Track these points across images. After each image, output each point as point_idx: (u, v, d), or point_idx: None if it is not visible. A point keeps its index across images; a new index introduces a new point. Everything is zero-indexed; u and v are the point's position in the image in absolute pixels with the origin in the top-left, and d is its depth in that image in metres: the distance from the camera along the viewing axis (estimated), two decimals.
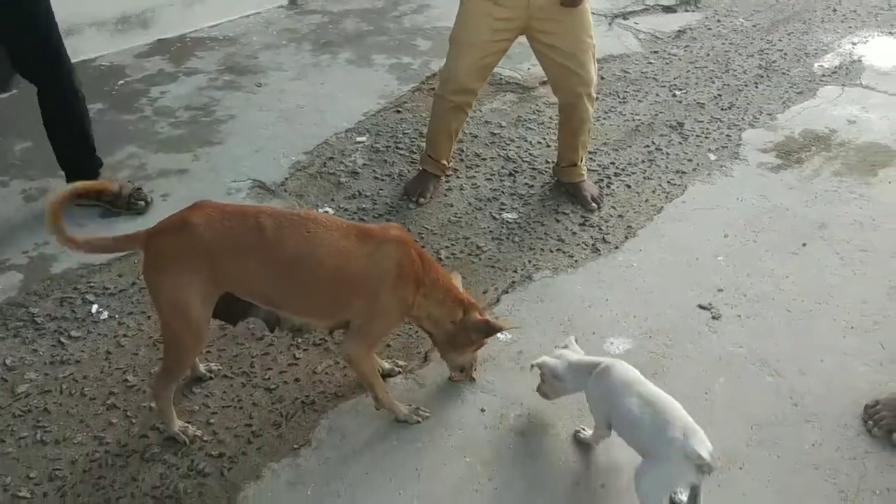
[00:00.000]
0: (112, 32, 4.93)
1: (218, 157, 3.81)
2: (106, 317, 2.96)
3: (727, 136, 4.16)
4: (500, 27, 3.26)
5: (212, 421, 2.57)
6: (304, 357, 2.82)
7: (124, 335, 2.89)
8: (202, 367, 2.73)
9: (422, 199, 3.60)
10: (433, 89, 4.57)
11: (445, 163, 3.67)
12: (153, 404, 2.54)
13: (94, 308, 2.99)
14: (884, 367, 2.79)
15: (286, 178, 3.77)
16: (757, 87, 4.64)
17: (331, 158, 3.91)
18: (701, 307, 3.05)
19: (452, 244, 3.38)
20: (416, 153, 3.95)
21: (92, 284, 3.10)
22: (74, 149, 3.47)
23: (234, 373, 2.75)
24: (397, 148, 4.02)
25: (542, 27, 3.25)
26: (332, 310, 2.41)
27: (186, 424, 2.53)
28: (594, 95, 3.44)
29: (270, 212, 2.31)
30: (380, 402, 2.56)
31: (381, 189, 3.69)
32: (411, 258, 2.40)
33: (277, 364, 2.79)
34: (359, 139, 4.08)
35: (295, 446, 2.50)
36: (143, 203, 3.52)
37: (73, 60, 3.34)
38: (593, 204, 3.59)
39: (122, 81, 4.59)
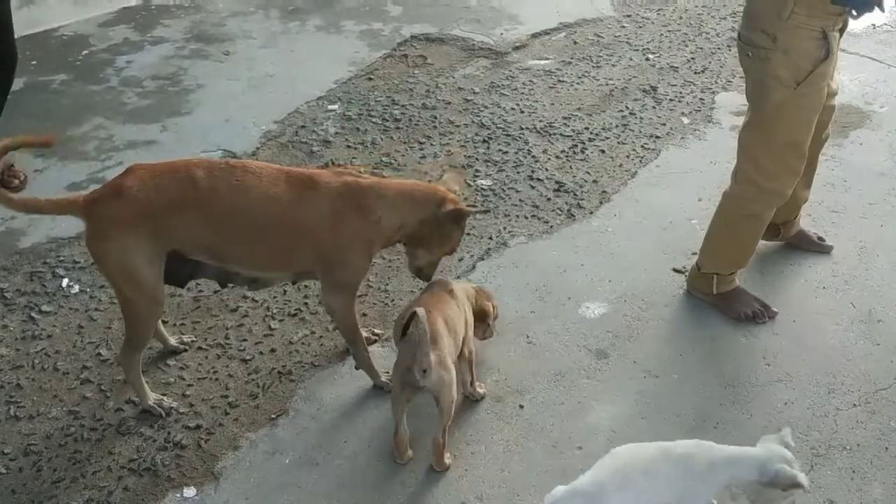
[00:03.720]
0: (75, 1, 4.82)
1: (187, 127, 3.75)
2: (77, 291, 2.92)
3: (700, 99, 4.17)
4: None
5: (188, 393, 2.56)
6: (280, 327, 2.80)
7: (96, 309, 2.85)
8: (173, 340, 2.71)
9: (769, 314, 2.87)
10: (405, 55, 4.54)
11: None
12: (125, 378, 2.53)
13: (65, 282, 2.95)
14: (854, 326, 2.83)
15: (257, 148, 3.72)
16: (730, 50, 4.63)
17: (302, 127, 3.86)
18: (675, 270, 3.06)
19: None
20: (388, 121, 3.92)
21: (62, 258, 3.06)
22: None
23: (209, 345, 2.73)
24: (370, 115, 3.98)
25: None
26: (277, 261, 2.38)
27: (162, 397, 2.52)
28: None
29: (201, 164, 2.31)
30: (360, 359, 2.56)
31: (353, 157, 3.66)
32: (349, 192, 2.31)
33: (253, 335, 2.77)
34: (330, 107, 4.04)
35: (272, 416, 2.49)
36: (17, 182, 3.33)
37: (35, 31, 3.28)
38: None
39: (86, 51, 4.50)
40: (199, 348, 2.72)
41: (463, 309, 2.42)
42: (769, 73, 2.47)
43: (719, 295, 2.86)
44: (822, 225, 3.26)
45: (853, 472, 2.34)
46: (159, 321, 2.56)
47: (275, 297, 2.92)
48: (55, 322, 2.80)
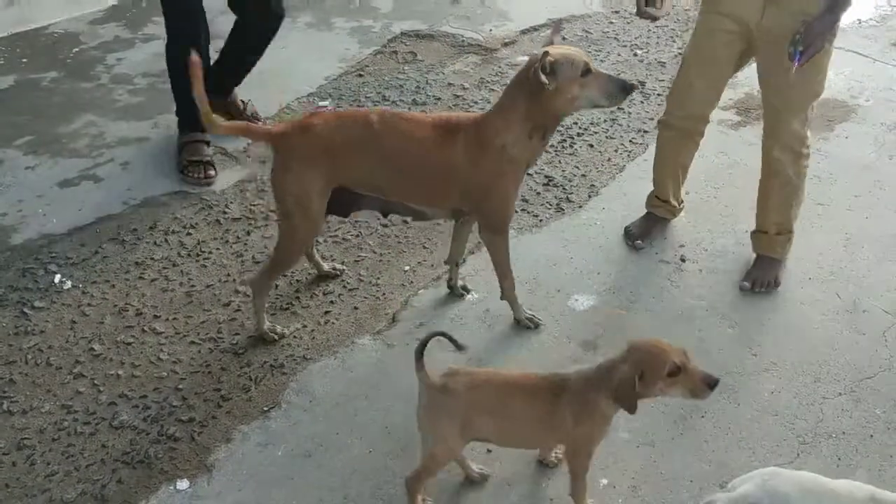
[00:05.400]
0: None
1: None
2: (69, 286, 2.93)
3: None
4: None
5: (181, 387, 2.58)
6: (272, 321, 2.82)
7: (88, 304, 2.87)
8: (327, 266, 3.00)
9: (639, 243, 3.18)
10: (395, 52, 4.56)
11: (676, 204, 3.25)
12: (252, 299, 2.70)
13: (57, 278, 2.96)
14: (840, 316, 2.87)
15: (248, 144, 3.73)
16: None
17: None
18: (663, 262, 3.10)
19: None
20: None
21: (54, 254, 3.07)
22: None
23: (202, 338, 2.75)
24: None
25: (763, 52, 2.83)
26: (433, 197, 2.60)
27: (273, 325, 2.74)
28: (800, 151, 2.87)
29: (375, 112, 2.58)
30: (507, 293, 2.76)
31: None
32: (473, 130, 2.49)
33: (245, 329, 2.79)
34: (321, 103, 4.05)
35: (265, 409, 2.51)
36: (259, 121, 3.67)
37: (24, 28, 3.28)
38: (745, 283, 3.00)
39: (76, 49, 4.50)
40: (192, 342, 2.73)
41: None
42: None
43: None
44: (808, 217, 3.29)
45: (839, 459, 2.38)
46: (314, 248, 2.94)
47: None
48: (48, 317, 2.81)
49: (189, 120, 3.52)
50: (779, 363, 2.69)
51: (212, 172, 3.48)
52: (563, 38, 4.73)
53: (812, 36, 2.55)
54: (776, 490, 1.79)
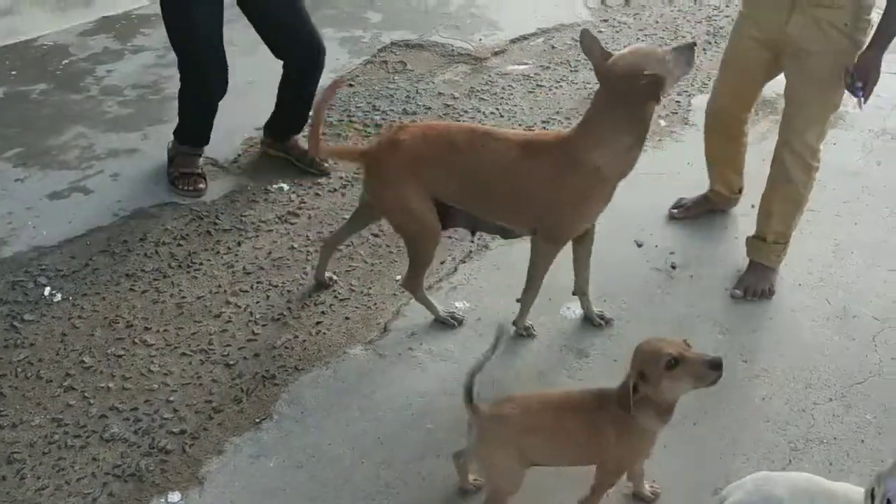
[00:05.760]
0: (54, 10, 4.81)
1: (168, 135, 3.73)
2: (59, 299, 2.92)
3: (677, 102, 4.22)
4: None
5: (172, 399, 2.57)
6: (264, 332, 2.82)
7: (79, 317, 2.85)
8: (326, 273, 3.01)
9: (674, 212, 3.38)
10: (385, 62, 4.57)
11: (725, 193, 3.33)
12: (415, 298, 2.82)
13: (47, 291, 2.95)
14: (830, 322, 2.89)
15: (239, 155, 3.74)
16: (706, 53, 4.69)
17: None
18: (654, 270, 3.11)
19: None
20: (369, 126, 3.94)
21: (44, 267, 3.06)
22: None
23: (193, 350, 2.74)
24: (351, 121, 4.00)
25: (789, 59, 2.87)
26: (516, 214, 2.61)
27: (453, 310, 2.85)
28: (810, 163, 2.91)
29: (459, 128, 2.69)
30: (527, 297, 2.76)
31: (335, 163, 3.68)
32: (564, 150, 2.47)
33: (236, 340, 2.79)
34: (311, 114, 4.04)
35: (256, 420, 2.51)
36: (325, 165, 3.63)
37: (14, 41, 3.27)
38: (737, 291, 3.01)
39: (66, 61, 4.49)
40: (183, 354, 2.73)
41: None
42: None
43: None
44: (799, 223, 3.30)
45: (830, 464, 2.38)
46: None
47: (258, 303, 2.94)
48: (38, 330, 2.80)
49: (187, 135, 3.52)
50: (770, 370, 2.69)
51: (202, 185, 3.47)
52: (553, 48, 4.76)
53: (865, 71, 2.64)
54: (771, 494, 1.79)
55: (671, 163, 3.73)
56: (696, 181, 3.58)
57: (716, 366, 1.96)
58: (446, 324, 2.83)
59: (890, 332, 2.84)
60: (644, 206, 3.41)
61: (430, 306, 2.83)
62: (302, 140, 3.69)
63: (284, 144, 3.67)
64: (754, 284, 3.00)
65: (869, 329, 2.86)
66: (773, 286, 3.00)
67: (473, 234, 2.86)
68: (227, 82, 3.41)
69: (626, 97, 2.37)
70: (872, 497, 1.60)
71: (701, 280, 3.07)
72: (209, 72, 3.34)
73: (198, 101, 3.47)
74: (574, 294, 2.87)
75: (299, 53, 3.45)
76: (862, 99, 2.68)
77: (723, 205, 3.37)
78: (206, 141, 3.58)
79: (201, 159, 3.57)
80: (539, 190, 2.50)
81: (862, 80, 2.65)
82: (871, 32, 2.67)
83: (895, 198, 3.49)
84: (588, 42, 2.46)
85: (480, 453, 2.09)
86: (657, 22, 5.10)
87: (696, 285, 3.05)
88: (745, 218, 3.35)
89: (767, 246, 3.00)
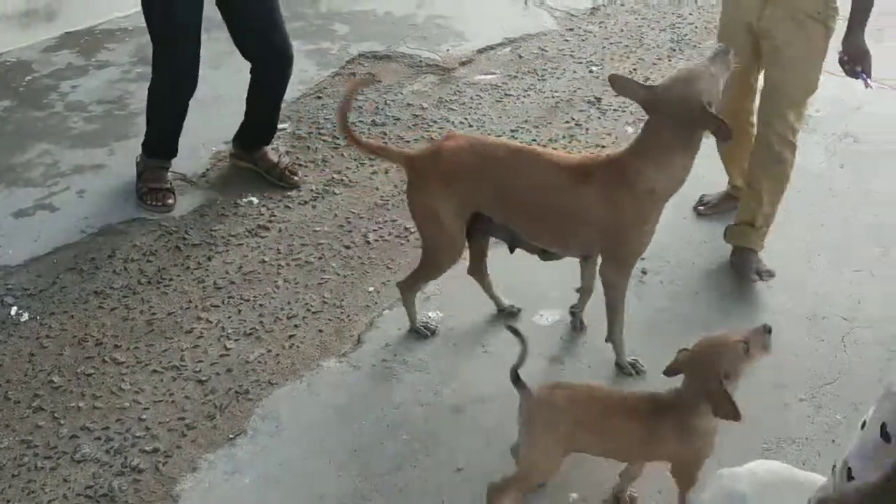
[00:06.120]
0: (16, 26, 4.74)
1: (135, 150, 3.71)
2: (26, 318, 2.88)
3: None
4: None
5: (143, 417, 2.54)
6: (236, 347, 2.80)
7: (47, 336, 2.81)
8: (505, 301, 2.95)
9: (700, 209, 3.46)
10: (353, 73, 4.57)
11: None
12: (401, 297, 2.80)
13: (14, 310, 2.90)
14: (799, 324, 2.93)
15: (207, 169, 3.71)
16: (670, 61, 4.75)
17: None
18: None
19: (380, 227, 3.38)
20: (338, 138, 3.94)
21: (10, 286, 3.01)
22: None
23: (164, 367, 2.71)
24: (320, 134, 3.99)
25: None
26: (560, 238, 2.58)
27: (426, 320, 2.84)
28: (793, 141, 3.01)
29: (504, 145, 2.63)
30: (615, 333, 2.68)
31: (305, 175, 3.67)
32: (615, 171, 2.42)
33: (208, 356, 2.76)
34: (280, 126, 4.02)
35: (230, 436, 2.48)
36: (295, 178, 3.59)
37: None
38: (755, 276, 3.09)
39: (29, 77, 4.44)
40: (154, 371, 2.69)
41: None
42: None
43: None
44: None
45: (803, 464, 2.41)
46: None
47: (229, 317, 2.91)
48: (5, 351, 2.75)
49: (155, 146, 3.50)
50: None
51: (170, 200, 3.44)
52: (520, 57, 4.79)
53: (858, 54, 2.79)
54: (733, 490, 1.78)
55: None
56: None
57: (769, 329, 2.05)
58: (419, 333, 2.82)
59: (858, 332, 2.88)
60: None
61: (410, 312, 2.82)
62: (271, 152, 3.67)
63: (253, 156, 3.65)
64: (758, 267, 3.08)
65: (838, 330, 2.90)
66: (769, 268, 3.10)
67: (512, 250, 2.74)
68: (196, 79, 3.39)
69: (682, 123, 2.35)
70: (836, 471, 1.61)
71: (671, 284, 3.10)
72: (183, 60, 3.31)
73: (167, 100, 3.42)
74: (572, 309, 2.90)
75: (269, 59, 3.44)
76: (866, 78, 2.82)
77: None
78: (174, 152, 3.55)
79: (169, 174, 3.54)
80: (594, 215, 2.44)
81: (858, 63, 2.79)
82: (837, 18, 2.83)
83: (858, 200, 3.55)
84: (622, 85, 2.45)
85: (527, 434, 2.11)
86: (622, 30, 5.15)
87: (666, 289, 3.08)
88: (708, 222, 3.39)
89: (755, 231, 3.08)
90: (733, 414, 1.97)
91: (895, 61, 3.19)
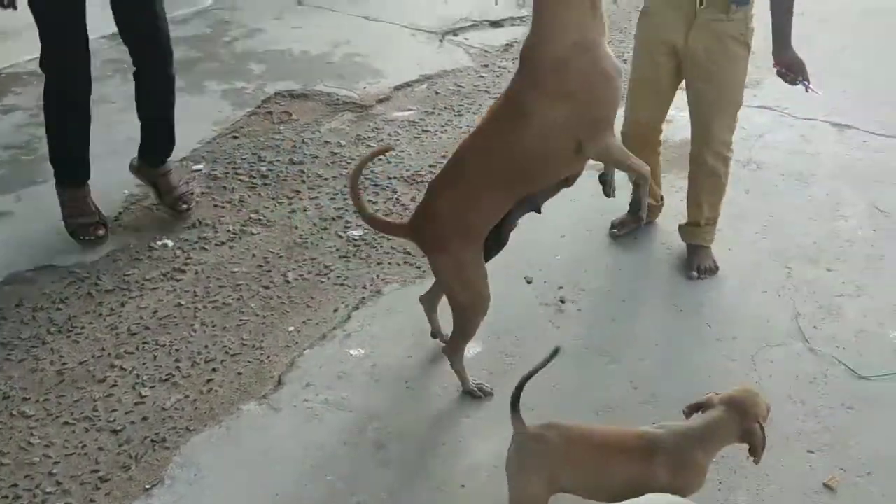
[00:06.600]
0: None
1: (45, 196, 3.62)
2: None
3: None
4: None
5: (54, 471, 2.44)
6: (152, 394, 2.73)
7: None
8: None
9: (614, 231, 3.54)
10: (270, 112, 4.56)
11: (653, 201, 3.50)
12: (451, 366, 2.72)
13: None
14: (712, 346, 3.01)
15: (120, 213, 3.63)
16: None
17: None
18: (543, 304, 3.18)
19: (300, 266, 3.36)
20: (255, 178, 3.91)
21: None
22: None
23: (76, 418, 2.62)
24: (236, 173, 3.96)
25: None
26: (562, 155, 2.45)
27: (481, 382, 2.74)
28: (727, 155, 3.25)
29: (464, 147, 2.55)
30: (641, 175, 2.55)
31: (221, 216, 3.63)
32: (539, 70, 2.35)
33: (122, 404, 2.68)
34: (195, 167, 3.99)
35: (147, 486, 2.41)
36: (184, 208, 3.57)
37: None
38: (693, 273, 3.31)
39: None
40: (66, 423, 2.60)
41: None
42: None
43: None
44: (677, 252, 3.45)
45: (720, 483, 2.47)
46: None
47: (144, 364, 2.84)
48: None
49: (66, 171, 3.44)
50: (658, 395, 2.78)
51: (101, 231, 3.41)
52: (436, 94, 4.86)
53: (795, 67, 3.05)
54: None
55: (557, 200, 3.80)
56: (580, 217, 3.70)
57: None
58: (473, 395, 2.74)
59: (767, 351, 2.98)
60: (531, 242, 3.49)
61: (462, 377, 2.74)
62: (175, 175, 3.66)
63: (154, 172, 3.64)
64: (702, 263, 3.33)
65: (748, 349, 2.99)
66: (715, 262, 3.35)
67: (539, 211, 2.68)
68: (90, 79, 3.34)
69: None
70: None
71: (588, 312, 3.16)
72: (69, 52, 3.25)
73: (63, 103, 3.35)
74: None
75: (149, 58, 3.44)
76: (808, 85, 3.06)
77: (653, 216, 3.58)
78: (86, 173, 3.50)
79: (91, 201, 3.48)
80: (555, 109, 2.32)
81: (796, 72, 3.05)
82: (753, 37, 3.04)
83: (762, 222, 3.69)
84: None
85: (513, 466, 2.12)
86: None
87: (584, 318, 3.13)
88: (621, 250, 3.48)
89: (702, 229, 3.33)
90: (761, 453, 2.17)
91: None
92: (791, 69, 3.06)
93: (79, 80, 3.32)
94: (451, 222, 2.48)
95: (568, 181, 2.61)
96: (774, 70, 3.13)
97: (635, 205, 2.70)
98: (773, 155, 4.22)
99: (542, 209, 2.69)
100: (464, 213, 2.47)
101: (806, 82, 3.07)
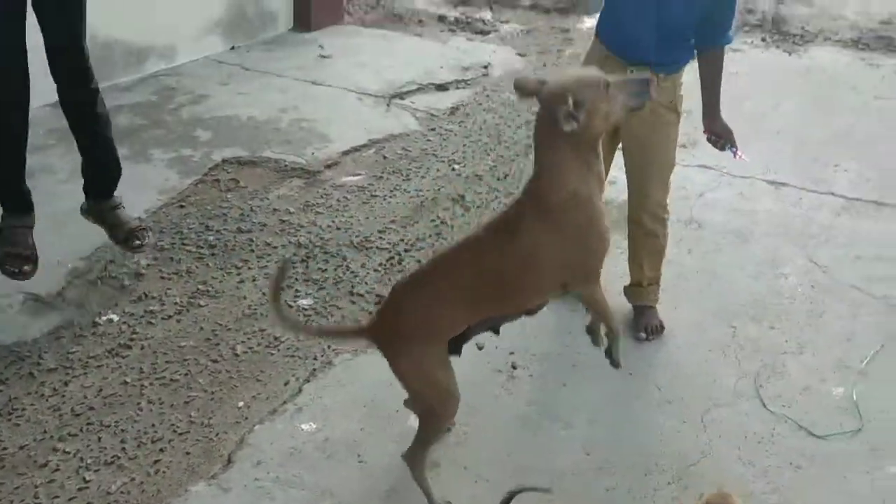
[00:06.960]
0: None
1: None
2: None
3: (504, 203, 4.42)
4: None
5: None
6: (96, 478, 2.65)
7: None
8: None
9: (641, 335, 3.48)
10: (217, 180, 4.54)
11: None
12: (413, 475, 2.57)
13: None
14: (661, 408, 3.05)
15: (63, 288, 3.55)
16: (528, 157, 4.96)
17: (111, 262, 3.73)
18: (495, 371, 3.19)
19: (249, 338, 3.32)
20: (203, 248, 3.87)
21: None
22: None
23: None
24: (183, 244, 3.92)
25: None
26: (536, 290, 2.50)
27: (449, 501, 2.58)
28: (664, 217, 3.36)
29: (445, 255, 2.59)
30: (614, 330, 2.63)
31: (168, 288, 3.58)
32: (539, 208, 2.40)
33: (65, 490, 2.60)
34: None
35: None
36: (137, 243, 3.57)
37: None
38: (641, 334, 3.38)
39: None
40: None
41: None
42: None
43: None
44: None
45: None
46: None
47: (88, 446, 2.76)
48: None
49: (7, 201, 3.39)
50: (611, 460, 2.80)
51: (27, 267, 3.36)
52: (385, 158, 4.90)
53: (723, 133, 3.21)
54: None
55: None
56: None
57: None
58: None
59: (715, 411, 3.03)
60: None
61: (425, 489, 2.58)
62: (124, 212, 3.67)
63: (103, 207, 3.63)
64: (649, 323, 3.40)
65: (697, 410, 3.04)
66: (661, 322, 3.41)
67: (498, 332, 2.67)
68: (28, 86, 3.28)
69: (557, 134, 2.29)
70: None
71: (539, 378, 3.18)
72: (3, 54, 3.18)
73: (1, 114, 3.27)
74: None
75: (69, 81, 3.40)
76: (736, 151, 3.22)
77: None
78: (28, 206, 3.48)
79: (30, 238, 3.43)
80: (548, 248, 2.38)
81: (725, 139, 3.21)
82: (682, 103, 3.21)
83: (706, 281, 3.79)
84: (522, 85, 2.42)
85: None
86: (481, 129, 5.36)
87: (535, 382, 3.16)
88: (572, 314, 3.51)
89: (645, 289, 3.42)
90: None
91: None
92: (721, 136, 3.22)
93: (15, 76, 3.23)
94: (414, 323, 2.44)
95: (531, 311, 2.61)
96: (705, 136, 3.30)
97: (609, 354, 2.71)
98: (713, 214, 4.35)
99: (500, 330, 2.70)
100: (426, 318, 2.44)
101: (734, 149, 3.22)
